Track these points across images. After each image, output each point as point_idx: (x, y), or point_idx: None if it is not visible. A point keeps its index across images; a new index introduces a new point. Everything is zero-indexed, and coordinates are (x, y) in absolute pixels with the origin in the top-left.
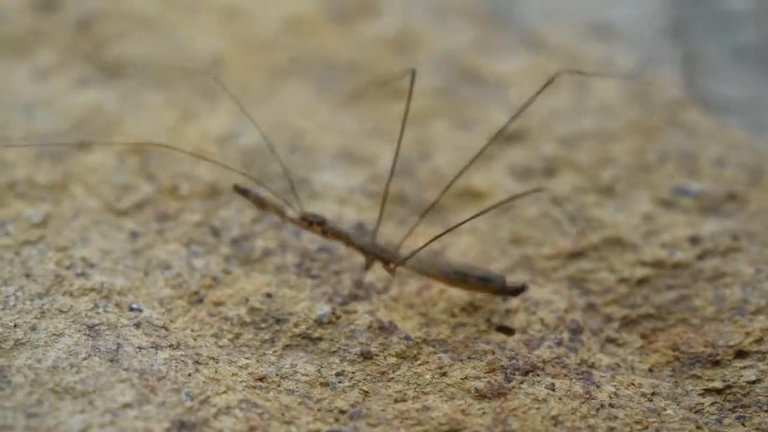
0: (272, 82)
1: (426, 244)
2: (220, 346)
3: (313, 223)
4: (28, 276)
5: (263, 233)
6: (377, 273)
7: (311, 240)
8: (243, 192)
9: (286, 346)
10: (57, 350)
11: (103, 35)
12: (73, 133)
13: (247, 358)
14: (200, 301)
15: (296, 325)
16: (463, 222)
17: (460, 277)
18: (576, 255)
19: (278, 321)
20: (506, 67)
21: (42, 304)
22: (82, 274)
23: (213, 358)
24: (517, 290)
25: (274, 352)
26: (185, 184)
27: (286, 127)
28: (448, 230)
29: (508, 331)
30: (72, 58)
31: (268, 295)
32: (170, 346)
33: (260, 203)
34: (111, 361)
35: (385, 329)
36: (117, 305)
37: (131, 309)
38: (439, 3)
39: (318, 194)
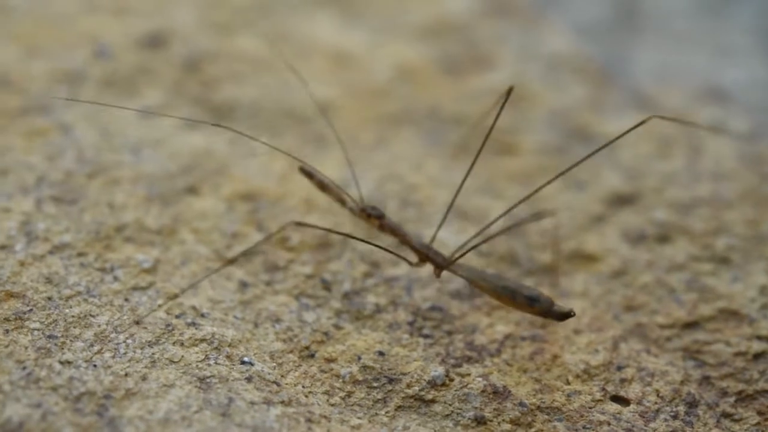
0: (382, 132)
1: (473, 248)
2: (332, 404)
3: (371, 215)
4: (138, 323)
5: (375, 288)
6: (488, 335)
7: (424, 298)
8: (308, 174)
9: (399, 407)
10: (168, 402)
11: (212, 77)
12: (182, 177)
13: (359, 418)
14: (311, 356)
15: (409, 385)
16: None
17: (507, 293)
18: (691, 325)
19: (391, 381)
20: (617, 127)
21: (152, 353)
22: (193, 324)
23: (325, 417)
24: (563, 315)
25: (387, 413)
26: (296, 235)
27: (397, 180)
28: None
29: (623, 401)
30: (179, 98)
31: (381, 354)
32: (282, 402)
33: (323, 186)
34: (223, 415)
35: (499, 394)
36: (228, 357)
37: (242, 362)
38: (551, 59)
39: None
